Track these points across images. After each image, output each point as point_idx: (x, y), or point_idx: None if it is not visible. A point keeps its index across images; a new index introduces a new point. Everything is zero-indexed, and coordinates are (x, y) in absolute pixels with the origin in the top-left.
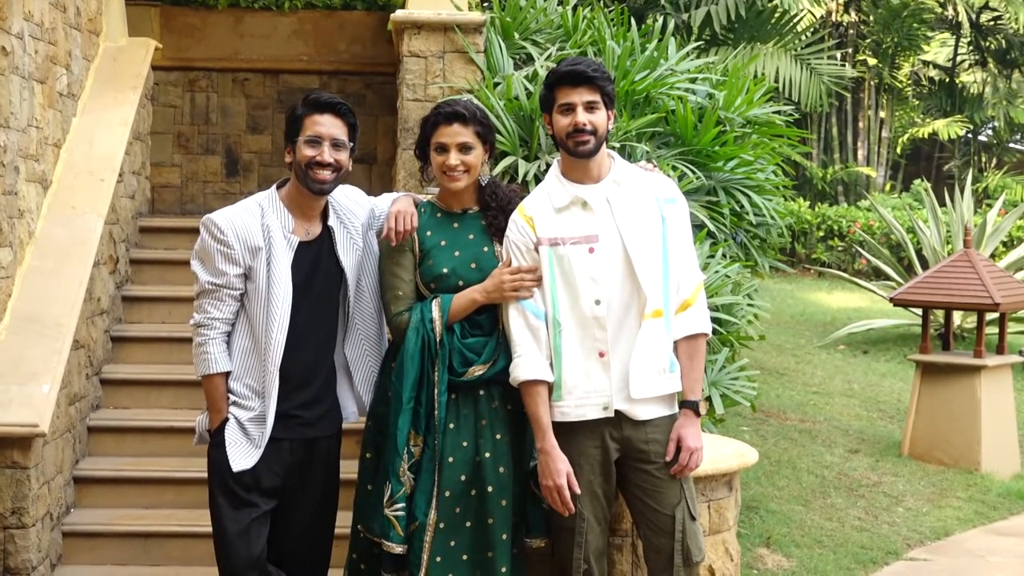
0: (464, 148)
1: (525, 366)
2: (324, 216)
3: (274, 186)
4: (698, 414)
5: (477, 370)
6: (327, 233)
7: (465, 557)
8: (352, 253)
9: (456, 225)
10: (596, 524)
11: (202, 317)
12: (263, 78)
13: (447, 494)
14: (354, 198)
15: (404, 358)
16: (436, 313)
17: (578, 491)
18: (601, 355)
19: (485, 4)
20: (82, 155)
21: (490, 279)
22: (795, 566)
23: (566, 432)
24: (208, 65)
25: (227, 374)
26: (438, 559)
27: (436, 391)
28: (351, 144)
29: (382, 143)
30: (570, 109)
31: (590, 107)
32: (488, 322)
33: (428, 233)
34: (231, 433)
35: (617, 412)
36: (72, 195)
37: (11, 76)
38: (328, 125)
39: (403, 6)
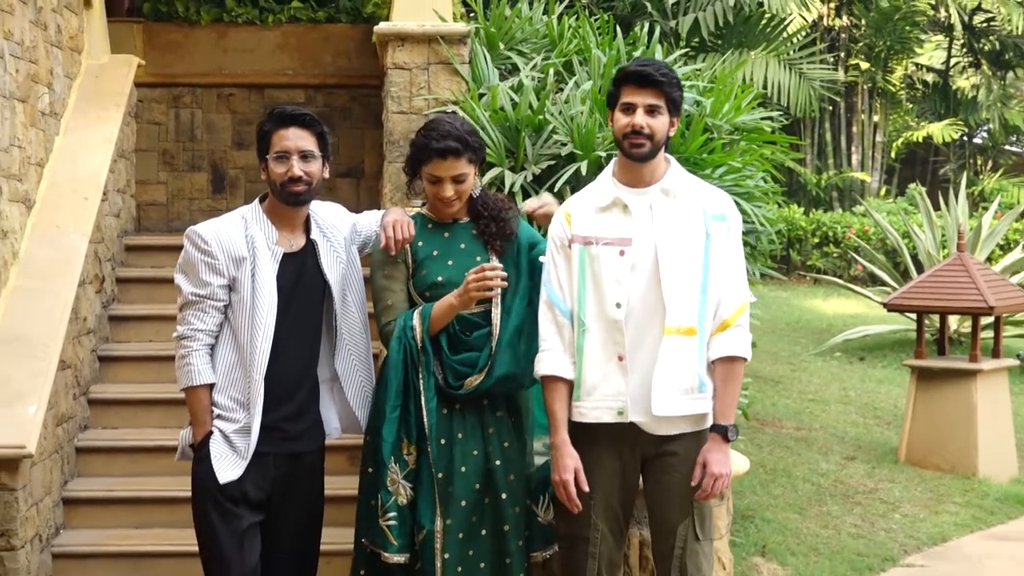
0: (458, 179)
1: (547, 361)
2: (307, 230)
3: (257, 200)
4: (727, 439)
5: (474, 380)
6: (311, 246)
7: (483, 565)
8: (336, 266)
9: (447, 235)
10: (610, 536)
11: (185, 329)
12: (248, 93)
13: (463, 503)
14: (336, 213)
15: (387, 367)
16: (416, 320)
17: (586, 488)
18: (620, 359)
19: (470, 15)
20: (66, 174)
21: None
22: (791, 574)
23: (586, 441)
24: (192, 81)
25: (211, 386)
26: (459, 569)
27: (423, 398)
28: (322, 154)
29: (369, 156)
30: (631, 109)
31: (651, 110)
32: (479, 341)
33: (420, 243)
34: (216, 446)
35: (638, 426)
36: (56, 214)
37: None
38: (294, 138)
39: (387, 18)
